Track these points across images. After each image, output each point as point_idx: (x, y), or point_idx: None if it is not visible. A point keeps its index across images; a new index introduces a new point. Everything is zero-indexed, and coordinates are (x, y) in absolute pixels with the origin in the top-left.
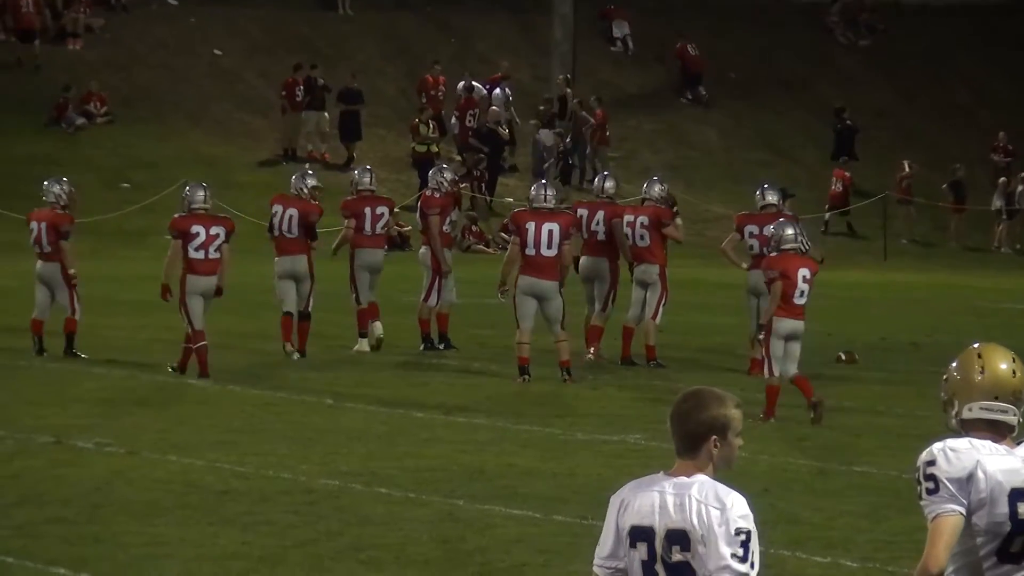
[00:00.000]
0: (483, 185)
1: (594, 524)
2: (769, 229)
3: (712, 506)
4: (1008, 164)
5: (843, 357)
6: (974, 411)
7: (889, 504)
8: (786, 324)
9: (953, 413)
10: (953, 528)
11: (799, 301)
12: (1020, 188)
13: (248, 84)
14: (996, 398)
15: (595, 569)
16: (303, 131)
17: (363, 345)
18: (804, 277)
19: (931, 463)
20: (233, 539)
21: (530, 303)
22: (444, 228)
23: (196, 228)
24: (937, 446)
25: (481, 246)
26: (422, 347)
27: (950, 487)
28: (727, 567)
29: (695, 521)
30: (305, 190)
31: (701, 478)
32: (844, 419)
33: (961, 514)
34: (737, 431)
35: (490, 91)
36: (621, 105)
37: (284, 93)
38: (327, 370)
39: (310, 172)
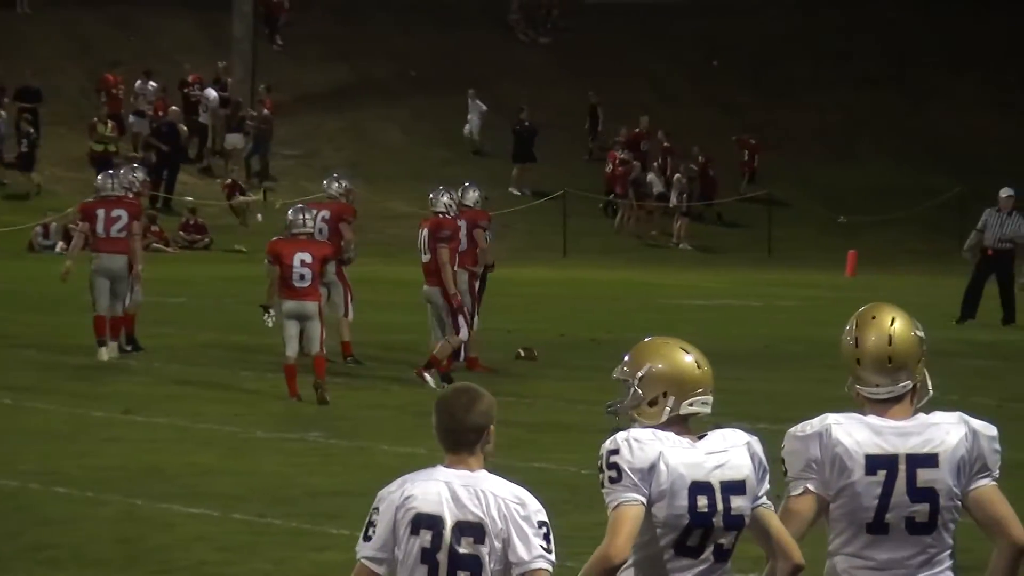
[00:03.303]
0: (161, 183)
1: (272, 522)
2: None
3: (512, 502)
4: (634, 161)
5: (522, 353)
6: (696, 405)
7: (568, 499)
8: (289, 305)
9: (667, 409)
10: (635, 518)
11: (299, 284)
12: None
13: None
14: (710, 392)
15: (363, 561)
16: None
17: (102, 354)
18: (303, 261)
19: (614, 452)
20: None
21: (430, 311)
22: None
23: None
24: (621, 435)
25: (160, 245)
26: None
27: (632, 476)
28: (540, 557)
29: (495, 515)
30: None
31: (485, 473)
32: (523, 415)
33: (643, 504)
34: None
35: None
36: (302, 102)
37: None
38: (6, 369)
39: None
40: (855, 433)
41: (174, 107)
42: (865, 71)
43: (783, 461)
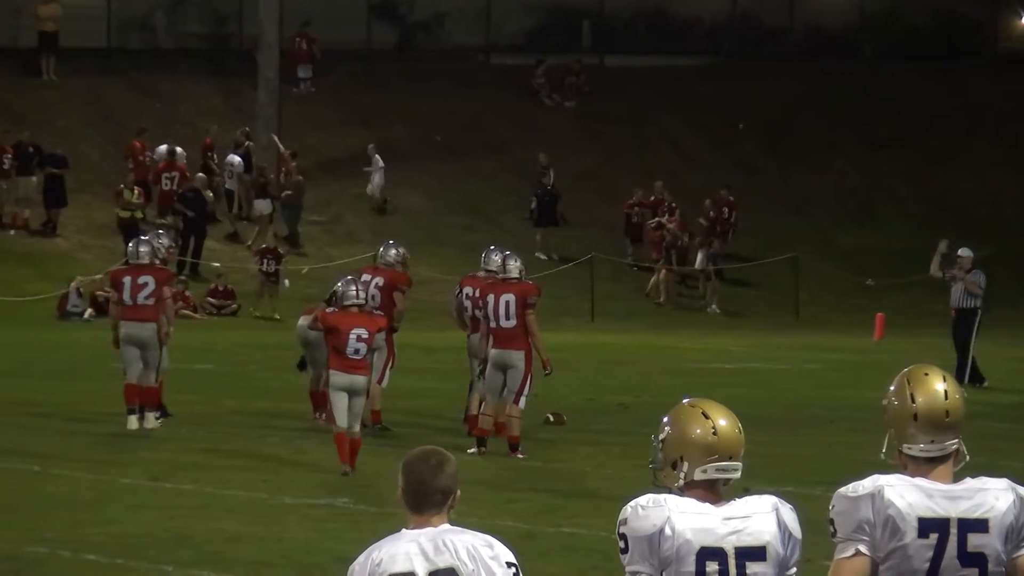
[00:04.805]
0: (188, 249)
1: None
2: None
3: (481, 546)
4: (653, 216)
5: (551, 418)
6: (708, 472)
7: (597, 565)
8: (340, 378)
9: (682, 474)
10: None
11: (353, 356)
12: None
13: None
14: (731, 458)
15: None
16: (11, 197)
17: (131, 422)
18: (359, 336)
19: (623, 521)
20: None
21: (497, 375)
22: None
23: None
24: (632, 502)
25: (188, 311)
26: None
27: (636, 546)
28: None
29: (465, 558)
30: None
31: (448, 526)
32: (552, 481)
33: (648, 575)
34: None
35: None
36: (324, 169)
37: None
38: (33, 436)
39: None
40: (907, 495)
41: (201, 174)
42: (883, 133)
43: (832, 522)
